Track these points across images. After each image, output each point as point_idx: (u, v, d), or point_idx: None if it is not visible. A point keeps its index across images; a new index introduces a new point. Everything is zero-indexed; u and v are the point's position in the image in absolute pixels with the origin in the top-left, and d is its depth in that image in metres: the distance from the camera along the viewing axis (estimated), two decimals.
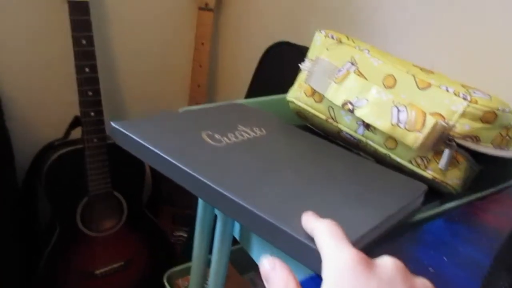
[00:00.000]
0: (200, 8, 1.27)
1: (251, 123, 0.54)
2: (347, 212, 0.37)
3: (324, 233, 0.29)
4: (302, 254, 0.33)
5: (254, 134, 0.51)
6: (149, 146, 0.43)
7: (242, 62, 1.35)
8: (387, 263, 0.25)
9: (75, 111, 1.08)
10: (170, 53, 1.39)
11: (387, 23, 0.85)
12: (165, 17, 1.32)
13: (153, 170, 1.35)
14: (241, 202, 0.37)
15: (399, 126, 0.46)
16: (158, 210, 1.36)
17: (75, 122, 1.13)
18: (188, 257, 1.23)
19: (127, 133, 0.45)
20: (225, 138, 0.48)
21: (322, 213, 0.37)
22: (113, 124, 0.47)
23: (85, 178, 1.09)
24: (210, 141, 0.47)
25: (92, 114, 1.06)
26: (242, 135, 0.50)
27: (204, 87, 1.31)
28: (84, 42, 1.03)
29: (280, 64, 1.00)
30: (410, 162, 0.49)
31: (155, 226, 1.27)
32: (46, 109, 1.20)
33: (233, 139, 0.48)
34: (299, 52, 0.95)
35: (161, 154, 0.42)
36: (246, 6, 1.29)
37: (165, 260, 1.31)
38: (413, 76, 0.48)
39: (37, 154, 1.14)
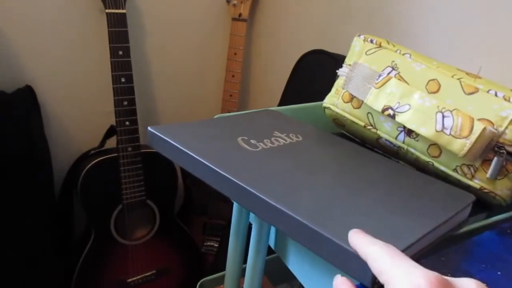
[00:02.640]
0: (234, 19, 1.28)
1: (287, 129, 0.53)
2: (392, 221, 0.36)
3: (383, 256, 0.26)
4: (347, 263, 0.31)
5: (290, 140, 0.50)
6: (186, 150, 0.43)
7: (274, 72, 1.35)
8: (469, 285, 0.23)
9: (111, 120, 1.10)
10: (203, 63, 1.40)
11: (428, 29, 0.83)
12: (199, 27, 1.34)
13: (185, 179, 1.35)
14: (282, 207, 0.35)
15: (444, 133, 0.43)
16: (189, 219, 1.36)
17: (111, 131, 1.15)
18: (219, 267, 1.23)
19: (164, 137, 0.45)
20: (261, 144, 0.47)
21: (366, 221, 0.35)
22: (150, 129, 0.47)
23: (119, 187, 1.10)
24: (246, 146, 0.46)
25: (127, 123, 1.08)
26: (278, 141, 0.49)
27: (236, 96, 1.32)
28: (121, 52, 1.05)
29: (314, 72, 0.99)
30: (455, 170, 0.47)
31: (187, 235, 1.27)
32: (83, 119, 1.24)
33: (269, 144, 0.47)
34: (333, 60, 0.93)
35: (198, 158, 0.42)
36: (279, 16, 1.29)
37: (196, 270, 1.31)
38: (459, 80, 0.45)
39: (74, 163, 1.17)
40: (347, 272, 0.32)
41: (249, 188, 0.37)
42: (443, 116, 0.44)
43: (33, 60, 1.11)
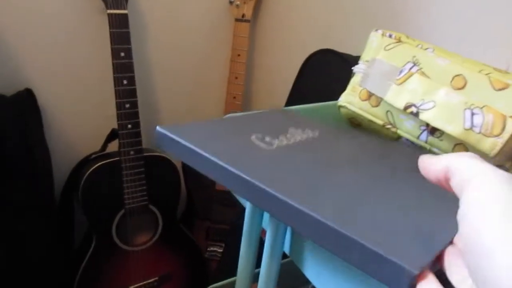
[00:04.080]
0: (237, 20, 1.25)
1: (303, 125, 0.50)
2: (427, 216, 0.33)
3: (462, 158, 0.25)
4: (380, 269, 0.29)
5: (307, 135, 0.47)
6: (198, 151, 0.40)
7: (279, 74, 1.32)
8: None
9: (113, 123, 1.07)
10: (206, 64, 1.38)
11: (447, 23, 0.80)
12: (202, 28, 1.32)
13: (187, 183, 1.33)
14: (305, 209, 0.33)
15: (473, 131, 0.41)
16: (192, 225, 1.34)
17: (112, 135, 1.12)
18: (223, 273, 1.20)
19: (174, 137, 0.42)
20: (277, 141, 0.44)
21: (396, 218, 0.33)
22: (159, 129, 0.44)
23: (121, 191, 1.07)
24: (260, 143, 0.43)
25: (129, 126, 1.06)
26: (294, 138, 0.46)
27: (239, 99, 1.29)
28: (122, 54, 1.03)
29: (322, 72, 0.97)
30: None
31: (190, 241, 1.24)
32: (84, 122, 1.21)
33: (285, 141, 0.45)
34: (342, 60, 0.91)
35: (212, 158, 0.39)
36: (283, 16, 1.27)
37: (199, 276, 1.27)
38: (488, 76, 0.43)
39: (75, 167, 1.14)
40: (380, 279, 0.29)
41: (268, 189, 0.35)
42: (472, 113, 0.41)
43: (32, 63, 1.08)
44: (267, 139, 0.44)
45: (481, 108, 0.41)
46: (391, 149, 0.46)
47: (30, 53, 1.07)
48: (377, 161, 0.43)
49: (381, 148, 0.47)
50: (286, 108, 0.60)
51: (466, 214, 0.21)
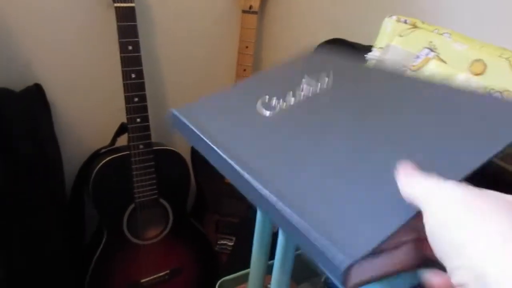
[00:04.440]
0: (244, 11, 1.24)
1: (319, 69, 0.48)
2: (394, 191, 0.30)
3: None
4: (313, 252, 0.27)
5: (317, 86, 0.45)
6: (201, 136, 0.39)
7: None
8: None
9: (122, 117, 1.07)
10: (214, 57, 1.37)
11: (463, 5, 0.78)
12: (209, 21, 1.31)
13: (196, 176, 1.32)
14: (257, 185, 0.32)
15: None
16: (202, 218, 1.34)
17: (122, 129, 1.12)
18: (234, 266, 1.20)
19: (184, 120, 0.42)
20: (280, 102, 0.43)
21: (357, 194, 0.31)
22: (172, 111, 0.44)
23: (131, 185, 1.07)
24: (263, 111, 0.42)
25: (138, 120, 1.05)
26: (302, 93, 0.44)
27: None
28: (130, 47, 1.02)
29: None
30: (502, 159, 0.43)
31: (200, 234, 1.24)
32: (94, 117, 1.21)
33: (291, 101, 0.43)
34: (353, 49, 0.90)
35: (210, 144, 0.38)
36: (291, 7, 1.25)
37: (210, 269, 1.28)
38: (508, 60, 0.42)
39: (85, 162, 1.14)
40: (320, 265, 0.27)
41: (243, 173, 0.34)
42: None
43: (41, 58, 1.08)
44: (273, 101, 0.43)
45: (502, 92, 0.40)
46: (403, 101, 0.40)
47: (38, 48, 1.07)
48: (370, 126, 0.38)
49: (397, 90, 0.41)
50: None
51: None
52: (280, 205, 0.30)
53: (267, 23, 1.35)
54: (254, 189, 0.32)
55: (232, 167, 0.35)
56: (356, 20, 1.03)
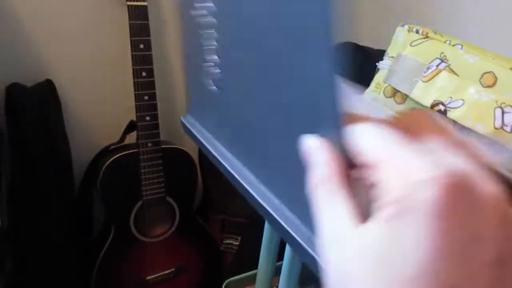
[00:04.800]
0: None
1: None
2: None
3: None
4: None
5: None
6: (205, 144, 0.40)
7: None
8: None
9: (131, 115, 1.08)
10: None
11: (476, 16, 0.78)
12: None
13: (204, 176, 1.33)
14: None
15: (504, 130, 0.40)
16: (208, 217, 1.34)
17: (131, 127, 1.13)
18: (239, 266, 1.20)
19: (190, 128, 0.42)
20: None
21: None
22: (182, 119, 0.44)
23: (139, 183, 1.08)
24: None
25: (148, 118, 1.06)
26: None
27: None
28: (142, 46, 1.03)
29: (345, 66, 0.95)
30: None
31: (206, 233, 1.25)
32: (103, 114, 1.22)
33: None
34: (364, 54, 0.90)
35: (213, 152, 0.39)
36: None
37: (215, 269, 1.28)
38: None
39: (94, 158, 1.15)
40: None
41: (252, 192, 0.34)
42: (503, 112, 0.40)
43: (53, 54, 1.09)
44: None
45: None
46: None
47: (50, 44, 1.08)
48: None
49: None
50: None
51: None
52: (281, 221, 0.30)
53: None
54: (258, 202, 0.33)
55: (239, 182, 0.35)
56: (370, 23, 1.03)
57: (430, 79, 0.46)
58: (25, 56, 1.06)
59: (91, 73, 1.16)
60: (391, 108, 0.51)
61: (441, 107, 0.44)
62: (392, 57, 0.51)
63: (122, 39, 1.12)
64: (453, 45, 0.47)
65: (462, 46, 0.47)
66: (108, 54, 1.17)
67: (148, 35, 1.03)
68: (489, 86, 0.43)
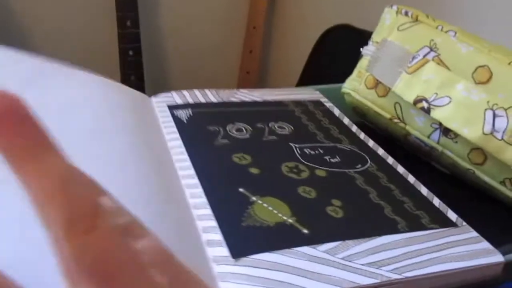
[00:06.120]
0: None
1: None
2: None
3: None
4: None
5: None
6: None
7: (297, 50, 1.24)
8: None
9: None
10: (221, 38, 1.31)
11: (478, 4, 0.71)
12: (217, 1, 1.24)
13: None
14: None
15: (494, 137, 0.34)
16: None
17: None
18: None
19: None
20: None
21: None
22: None
23: None
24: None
25: None
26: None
27: (254, 74, 1.22)
28: (128, 23, 0.97)
29: (339, 50, 0.88)
30: (503, 183, 0.37)
31: None
32: None
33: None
34: (362, 37, 0.82)
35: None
36: None
37: None
38: None
39: None
40: None
41: None
42: (494, 115, 0.34)
43: (34, 26, 1.04)
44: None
45: (506, 109, 0.33)
46: None
47: (31, 16, 1.03)
48: None
49: None
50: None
51: None
52: None
53: (277, 4, 1.28)
54: None
55: None
56: (371, 4, 0.95)
57: (415, 70, 0.39)
58: (1, 27, 1.02)
59: (73, 51, 1.11)
60: (372, 101, 0.45)
61: (425, 104, 0.38)
62: (377, 42, 0.45)
63: (109, 15, 1.06)
64: (446, 32, 0.40)
65: (455, 33, 0.40)
66: (93, 31, 1.11)
67: (136, 10, 0.98)
68: (482, 83, 0.36)
